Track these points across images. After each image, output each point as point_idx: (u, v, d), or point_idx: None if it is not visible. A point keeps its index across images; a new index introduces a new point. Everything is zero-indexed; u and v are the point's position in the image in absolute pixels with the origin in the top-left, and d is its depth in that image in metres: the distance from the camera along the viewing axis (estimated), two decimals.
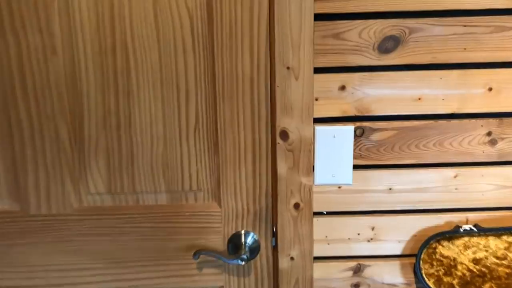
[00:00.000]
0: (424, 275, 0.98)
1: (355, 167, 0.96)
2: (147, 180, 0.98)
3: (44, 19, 0.90)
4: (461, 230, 0.97)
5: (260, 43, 0.91)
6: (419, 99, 0.92)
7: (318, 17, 0.89)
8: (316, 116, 0.93)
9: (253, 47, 0.91)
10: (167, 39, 0.91)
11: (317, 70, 0.91)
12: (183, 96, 0.94)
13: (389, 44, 0.89)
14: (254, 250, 1.00)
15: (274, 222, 0.99)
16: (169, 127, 0.95)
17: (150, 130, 0.95)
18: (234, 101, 0.94)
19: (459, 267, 0.97)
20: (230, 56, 0.91)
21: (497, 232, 0.96)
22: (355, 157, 0.95)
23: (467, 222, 0.99)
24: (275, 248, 1.01)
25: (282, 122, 0.92)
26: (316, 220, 0.98)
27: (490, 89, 0.92)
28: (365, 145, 0.95)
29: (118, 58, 0.92)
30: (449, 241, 0.97)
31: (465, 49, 0.90)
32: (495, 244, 0.96)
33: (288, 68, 0.90)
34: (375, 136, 0.94)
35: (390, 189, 0.97)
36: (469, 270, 0.97)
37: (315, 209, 0.98)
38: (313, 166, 0.95)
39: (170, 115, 0.95)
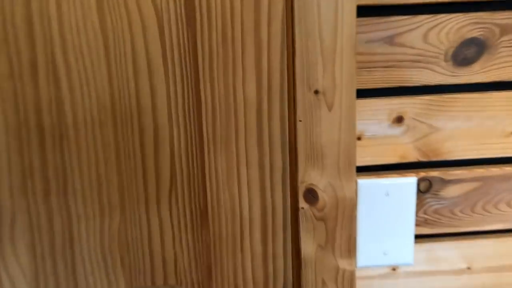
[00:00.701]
0: None
1: (418, 238, 0.74)
2: (97, 272, 0.73)
3: None
4: None
5: (272, 53, 0.66)
6: None
7: (362, 11, 0.64)
8: (359, 164, 0.70)
9: (261, 60, 0.66)
10: (122, 52, 0.65)
11: (360, 94, 0.68)
12: (149, 141, 0.69)
13: (469, 51, 0.67)
14: None
15: None
16: (128, 190, 0.71)
17: (98, 195, 0.70)
18: (232, 145, 0.70)
19: None
20: (224, 76, 0.67)
21: None
22: (418, 224, 0.73)
23: None
24: None
25: (308, 176, 0.69)
26: None
27: None
28: (433, 205, 0.72)
29: (42, 83, 0.65)
30: None
31: None
32: None
33: (316, 92, 0.65)
34: (448, 192, 0.72)
35: (469, 268, 0.75)
36: None
37: None
38: (356, 241, 0.72)
39: (129, 172, 0.70)
